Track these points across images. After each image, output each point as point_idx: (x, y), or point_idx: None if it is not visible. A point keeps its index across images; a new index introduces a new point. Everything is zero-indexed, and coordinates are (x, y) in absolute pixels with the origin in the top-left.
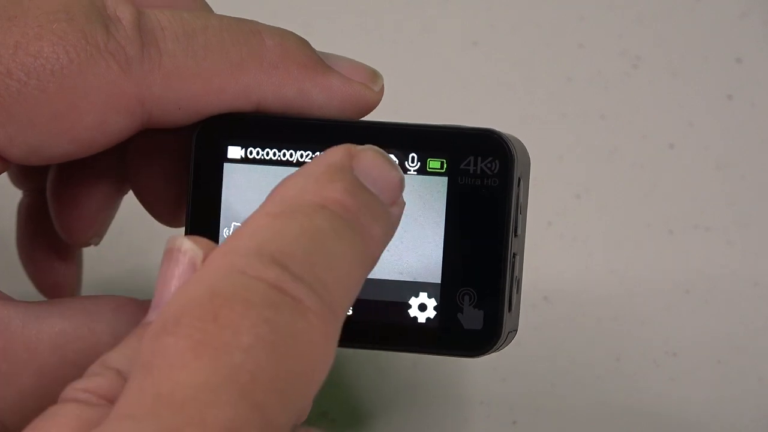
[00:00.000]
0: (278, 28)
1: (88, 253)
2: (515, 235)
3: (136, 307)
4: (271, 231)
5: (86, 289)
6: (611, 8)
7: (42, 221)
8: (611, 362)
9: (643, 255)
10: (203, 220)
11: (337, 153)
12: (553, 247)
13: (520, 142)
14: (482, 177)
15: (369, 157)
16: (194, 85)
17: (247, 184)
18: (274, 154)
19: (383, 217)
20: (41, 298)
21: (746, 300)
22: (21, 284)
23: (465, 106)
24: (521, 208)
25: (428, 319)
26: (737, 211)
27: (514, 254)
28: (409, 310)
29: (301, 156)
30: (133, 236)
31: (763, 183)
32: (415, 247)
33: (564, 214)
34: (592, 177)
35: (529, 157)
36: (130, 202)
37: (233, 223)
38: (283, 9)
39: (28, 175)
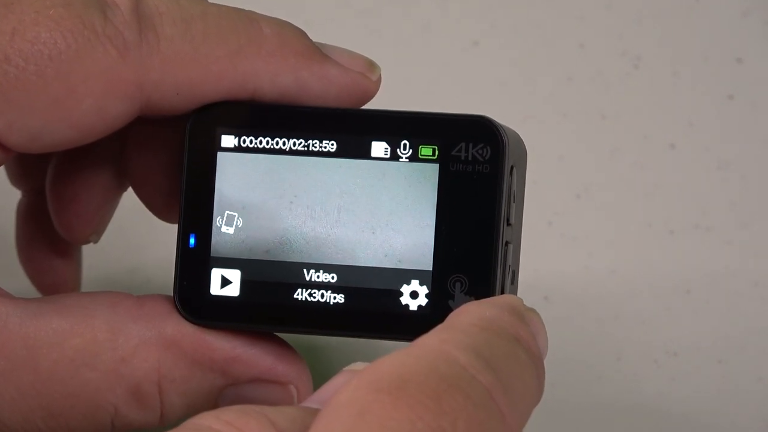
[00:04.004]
0: (275, 18)
1: (89, 250)
2: (508, 224)
3: (132, 303)
4: (482, 338)
5: (86, 286)
6: (612, 8)
7: (41, 221)
8: (612, 362)
9: (644, 255)
10: (196, 208)
11: (515, 299)
12: (553, 247)
13: (516, 133)
14: (474, 163)
15: (538, 320)
16: (192, 70)
17: (241, 173)
18: (268, 143)
19: (544, 377)
20: (40, 295)
21: (746, 300)
22: (20, 281)
23: (465, 105)
24: (515, 197)
25: (420, 306)
26: (737, 211)
27: (507, 242)
28: (400, 298)
29: (294, 144)
30: (133, 234)
31: (764, 183)
32: (406, 235)
33: (564, 214)
34: (592, 177)
35: (525, 149)
36: (130, 199)
37: (226, 212)
38: (283, 7)
39: (27, 174)
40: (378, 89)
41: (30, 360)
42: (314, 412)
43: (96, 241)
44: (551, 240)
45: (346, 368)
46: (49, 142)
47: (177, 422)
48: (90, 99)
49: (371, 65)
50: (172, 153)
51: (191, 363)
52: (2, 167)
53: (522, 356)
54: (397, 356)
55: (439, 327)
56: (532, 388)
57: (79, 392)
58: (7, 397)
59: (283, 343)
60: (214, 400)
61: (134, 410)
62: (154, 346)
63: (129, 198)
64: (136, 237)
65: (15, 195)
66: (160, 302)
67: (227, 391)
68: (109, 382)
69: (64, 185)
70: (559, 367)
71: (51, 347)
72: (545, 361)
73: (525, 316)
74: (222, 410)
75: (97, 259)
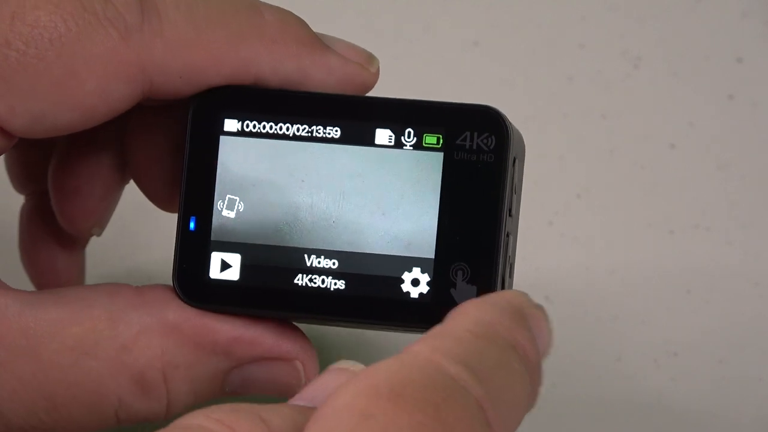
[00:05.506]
0: (276, 6)
1: (93, 249)
2: (509, 215)
3: (131, 292)
4: (474, 348)
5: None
6: (612, 8)
7: (45, 224)
8: (611, 362)
9: (644, 255)
10: (198, 191)
11: (519, 296)
12: (553, 247)
13: (516, 128)
14: (478, 152)
15: (542, 317)
16: (196, 54)
17: (243, 157)
18: (271, 128)
19: (541, 380)
20: None
21: (746, 300)
22: (22, 284)
23: None
24: (516, 189)
25: (421, 294)
26: (737, 211)
27: (507, 234)
28: (402, 285)
29: (298, 130)
30: (137, 232)
31: (764, 183)
32: (409, 222)
33: (565, 214)
34: (592, 177)
35: (524, 143)
36: (135, 198)
37: (228, 196)
38: (285, 7)
39: (30, 176)
40: (376, 81)
41: (30, 350)
42: (306, 411)
43: (99, 234)
44: (551, 240)
45: (333, 366)
46: (51, 126)
47: (183, 412)
48: (92, 81)
49: (370, 57)
50: (172, 142)
51: (194, 347)
52: (3, 169)
53: (515, 365)
54: (392, 363)
55: (434, 331)
56: (522, 398)
57: (80, 382)
58: (8, 388)
59: (284, 322)
60: (220, 385)
61: (139, 400)
62: (156, 333)
63: (134, 196)
64: (140, 235)
65: (15, 194)
66: (160, 290)
67: (233, 374)
68: (111, 370)
69: (66, 178)
70: (559, 367)
71: (50, 336)
72: (548, 359)
73: (527, 316)
74: (212, 408)
75: (101, 257)
